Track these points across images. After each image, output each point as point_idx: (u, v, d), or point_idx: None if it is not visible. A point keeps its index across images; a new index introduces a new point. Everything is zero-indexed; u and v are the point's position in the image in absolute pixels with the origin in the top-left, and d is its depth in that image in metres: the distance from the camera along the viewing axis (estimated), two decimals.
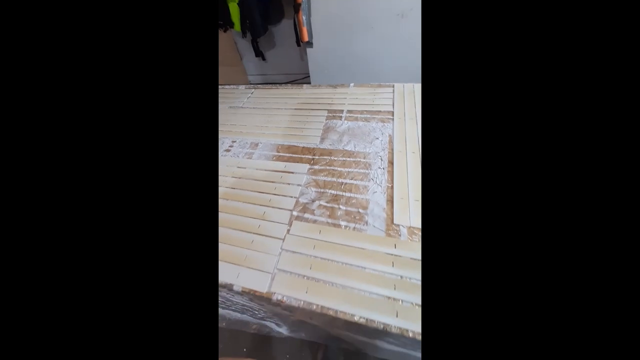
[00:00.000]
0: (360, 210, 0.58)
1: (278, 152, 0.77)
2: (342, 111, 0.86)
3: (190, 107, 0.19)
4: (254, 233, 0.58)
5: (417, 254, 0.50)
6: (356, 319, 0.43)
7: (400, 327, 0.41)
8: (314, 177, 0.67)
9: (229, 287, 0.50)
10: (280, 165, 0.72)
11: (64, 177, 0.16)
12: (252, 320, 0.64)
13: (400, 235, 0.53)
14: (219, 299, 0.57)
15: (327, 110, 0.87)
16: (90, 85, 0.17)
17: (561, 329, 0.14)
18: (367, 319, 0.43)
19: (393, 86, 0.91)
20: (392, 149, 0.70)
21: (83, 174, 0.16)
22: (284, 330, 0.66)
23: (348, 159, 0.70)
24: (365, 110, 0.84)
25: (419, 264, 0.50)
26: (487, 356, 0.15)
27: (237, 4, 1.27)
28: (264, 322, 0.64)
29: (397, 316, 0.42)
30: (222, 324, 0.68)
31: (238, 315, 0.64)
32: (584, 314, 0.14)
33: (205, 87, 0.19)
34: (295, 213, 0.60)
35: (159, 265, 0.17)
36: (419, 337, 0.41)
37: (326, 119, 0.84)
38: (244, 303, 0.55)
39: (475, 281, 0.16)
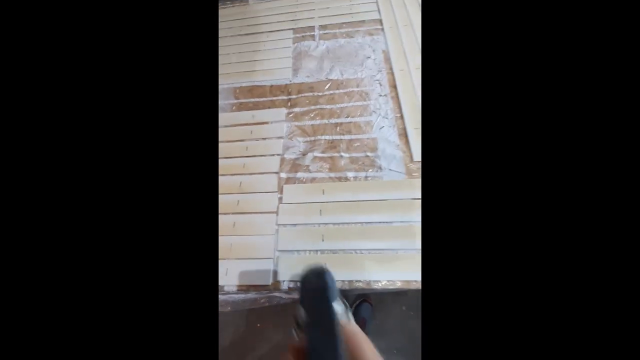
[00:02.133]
0: (369, 154, 0.44)
1: (237, 98, 0.55)
2: (312, 28, 0.63)
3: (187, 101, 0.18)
4: (233, 213, 0.42)
5: None
6: (399, 284, 0.34)
7: None
8: (297, 123, 0.49)
9: (219, 290, 0.37)
10: (246, 115, 0.52)
11: (61, 181, 0.16)
12: (260, 295, 0.56)
13: None
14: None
15: (292, 29, 0.63)
16: (88, 84, 0.17)
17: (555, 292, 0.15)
18: (411, 280, 0.34)
19: None
20: (391, 69, 0.53)
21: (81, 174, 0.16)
22: (297, 294, 0.59)
23: (337, 91, 0.52)
24: (344, 23, 0.62)
25: None
26: (482, 307, 0.15)
27: None
28: (273, 293, 0.56)
29: None
30: (227, 309, 0.60)
31: (242, 295, 0.55)
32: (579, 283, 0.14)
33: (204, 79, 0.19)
34: (283, 175, 0.44)
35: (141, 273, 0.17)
36: None
37: (294, 42, 0.61)
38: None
39: (478, 228, 0.16)
